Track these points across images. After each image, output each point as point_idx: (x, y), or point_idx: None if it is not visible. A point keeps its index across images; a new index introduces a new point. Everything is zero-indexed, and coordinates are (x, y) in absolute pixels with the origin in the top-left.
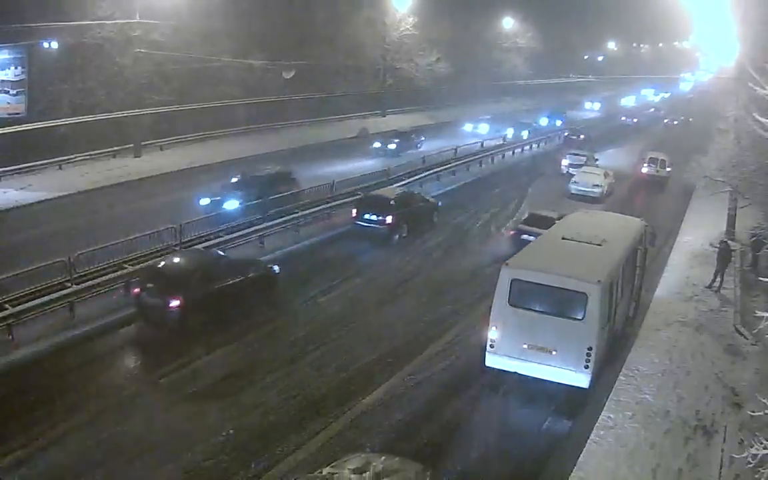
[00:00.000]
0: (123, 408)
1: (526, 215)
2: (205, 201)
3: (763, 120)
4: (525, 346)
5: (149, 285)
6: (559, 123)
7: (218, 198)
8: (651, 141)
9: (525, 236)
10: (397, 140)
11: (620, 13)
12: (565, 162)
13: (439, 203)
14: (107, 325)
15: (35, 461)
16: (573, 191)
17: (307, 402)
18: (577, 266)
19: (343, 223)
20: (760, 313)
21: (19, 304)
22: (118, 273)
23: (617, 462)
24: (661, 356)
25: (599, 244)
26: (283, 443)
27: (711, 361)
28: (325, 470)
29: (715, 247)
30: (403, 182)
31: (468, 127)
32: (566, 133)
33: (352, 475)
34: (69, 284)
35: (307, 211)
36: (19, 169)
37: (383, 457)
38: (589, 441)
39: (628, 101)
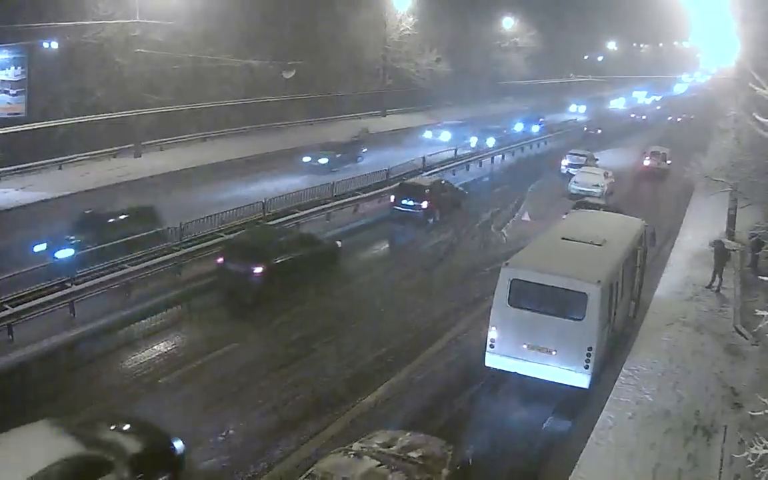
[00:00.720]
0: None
1: (576, 202)
2: (40, 247)
3: (763, 120)
4: (525, 346)
5: (233, 255)
6: (536, 128)
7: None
8: (658, 136)
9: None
10: (329, 154)
11: (620, 13)
12: (565, 162)
13: (467, 192)
14: (107, 325)
15: None
16: (573, 191)
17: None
18: (577, 266)
19: (383, 208)
20: (760, 312)
21: (19, 304)
22: (119, 273)
23: (617, 462)
24: (661, 356)
25: (599, 245)
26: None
27: (711, 361)
28: (355, 445)
29: (713, 247)
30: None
31: (428, 134)
32: (585, 129)
33: (381, 449)
34: (69, 284)
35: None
36: (19, 169)
37: (408, 433)
38: (589, 441)
39: (617, 103)
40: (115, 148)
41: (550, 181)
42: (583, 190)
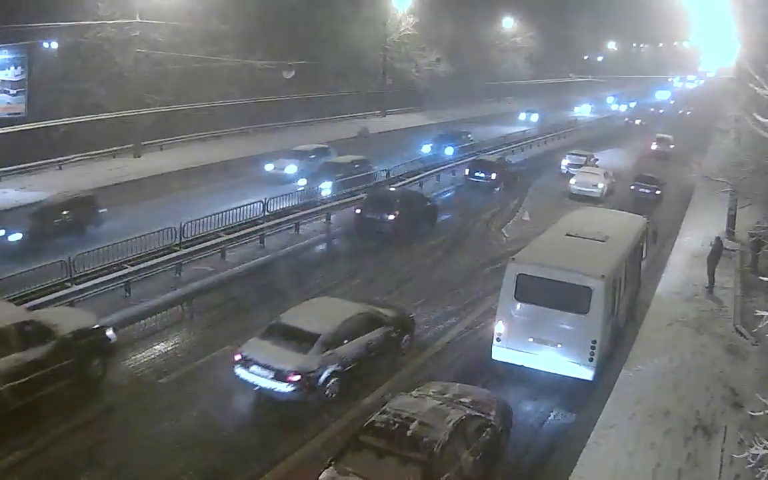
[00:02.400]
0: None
1: (637, 175)
2: None
3: (763, 120)
4: (531, 340)
5: (369, 206)
6: (450, 151)
7: None
8: (671, 125)
9: (641, 189)
10: (23, 224)
11: (620, 14)
12: (565, 162)
13: (518, 170)
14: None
15: (36, 461)
16: (573, 191)
17: None
18: (581, 261)
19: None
20: (760, 312)
21: (19, 304)
22: (119, 273)
23: (617, 461)
24: (661, 356)
25: (602, 241)
26: None
27: (711, 361)
28: (414, 392)
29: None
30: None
31: (269, 167)
32: (626, 120)
33: (436, 396)
34: (69, 284)
35: None
36: (19, 169)
37: (457, 384)
38: (589, 440)
39: (582, 110)
40: (115, 148)
41: (551, 182)
42: (583, 190)
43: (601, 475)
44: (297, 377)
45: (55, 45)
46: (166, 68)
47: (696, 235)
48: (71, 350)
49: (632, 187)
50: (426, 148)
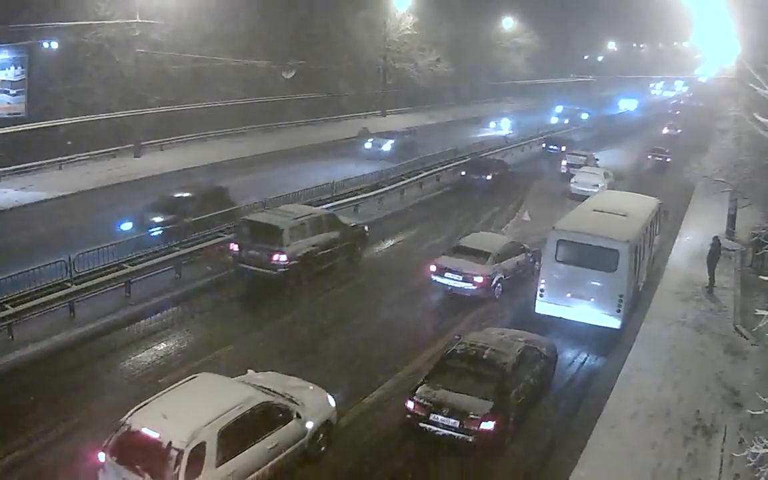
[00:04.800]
0: None
1: (652, 148)
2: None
3: (763, 120)
4: (568, 295)
5: (471, 169)
6: (127, 226)
7: None
8: (686, 115)
9: (657, 157)
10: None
11: (620, 13)
12: (564, 162)
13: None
14: (108, 325)
15: (35, 461)
16: (573, 191)
17: None
18: (609, 229)
19: (538, 150)
20: (760, 312)
21: (19, 304)
22: (118, 273)
23: (618, 461)
24: (661, 356)
25: (624, 215)
26: None
27: (711, 361)
28: (478, 333)
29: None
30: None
31: None
32: (669, 111)
33: (498, 335)
34: (69, 284)
35: None
36: (19, 169)
37: (510, 329)
38: (590, 440)
39: (503, 126)
40: (115, 148)
41: (551, 182)
42: (583, 190)
43: (601, 475)
44: (481, 279)
45: (55, 45)
46: (166, 68)
47: (696, 234)
48: (349, 235)
49: (649, 157)
50: (126, 226)
